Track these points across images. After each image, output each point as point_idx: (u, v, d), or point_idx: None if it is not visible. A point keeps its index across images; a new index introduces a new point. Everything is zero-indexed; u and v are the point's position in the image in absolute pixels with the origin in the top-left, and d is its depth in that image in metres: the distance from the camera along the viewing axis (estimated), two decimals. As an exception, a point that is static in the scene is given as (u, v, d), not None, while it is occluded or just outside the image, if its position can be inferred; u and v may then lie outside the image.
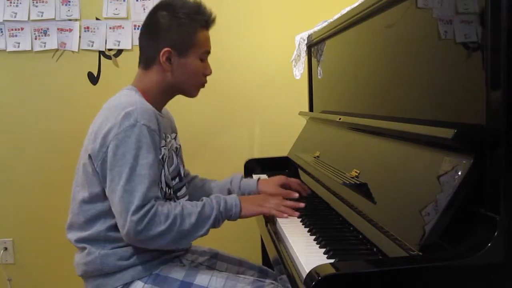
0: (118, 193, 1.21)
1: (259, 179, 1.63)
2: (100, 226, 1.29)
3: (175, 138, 1.51)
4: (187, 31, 1.37)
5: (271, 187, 1.57)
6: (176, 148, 1.50)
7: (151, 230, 1.20)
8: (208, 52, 1.44)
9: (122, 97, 1.34)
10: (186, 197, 1.50)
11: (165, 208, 1.23)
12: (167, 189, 1.37)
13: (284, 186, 1.59)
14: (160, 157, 1.32)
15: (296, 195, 1.50)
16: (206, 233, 1.28)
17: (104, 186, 1.27)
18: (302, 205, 1.40)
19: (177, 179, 1.46)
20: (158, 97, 1.40)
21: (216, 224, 1.29)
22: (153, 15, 1.41)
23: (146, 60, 1.40)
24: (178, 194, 1.46)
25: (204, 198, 1.32)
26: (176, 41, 1.37)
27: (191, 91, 1.45)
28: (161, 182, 1.33)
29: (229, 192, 1.59)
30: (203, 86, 1.46)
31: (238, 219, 1.35)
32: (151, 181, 1.22)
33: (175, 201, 1.41)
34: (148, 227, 1.19)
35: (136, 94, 1.35)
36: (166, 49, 1.35)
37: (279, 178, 1.61)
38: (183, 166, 1.54)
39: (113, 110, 1.27)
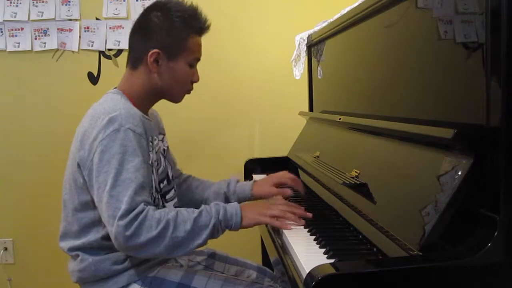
0: (104, 199, 1.16)
1: (254, 181, 1.58)
2: (93, 235, 1.26)
3: (162, 140, 1.47)
4: (179, 35, 1.33)
5: (265, 187, 1.53)
6: (164, 150, 1.46)
7: (142, 235, 1.13)
8: (198, 59, 1.40)
9: (106, 102, 1.30)
10: (175, 200, 1.46)
11: (157, 213, 1.16)
12: (156, 193, 1.33)
13: (278, 184, 1.54)
14: (150, 162, 1.29)
15: (289, 192, 1.45)
16: (204, 243, 1.21)
17: (92, 195, 1.22)
18: (309, 215, 1.31)
19: (165, 182, 1.42)
20: (143, 100, 1.35)
21: (215, 234, 1.22)
22: (146, 14, 1.36)
23: (134, 60, 1.35)
24: (167, 197, 1.42)
25: (203, 205, 1.26)
26: (166, 43, 1.32)
27: (176, 97, 1.40)
28: (152, 188, 1.30)
29: (225, 196, 1.56)
30: (188, 92, 1.41)
31: (239, 229, 1.26)
32: (138, 184, 1.17)
33: (163, 205, 1.39)
34: (138, 233, 1.13)
35: (122, 98, 1.31)
36: (154, 50, 1.31)
37: (272, 178, 1.56)
38: (172, 168, 1.50)
39: (98, 117, 1.23)
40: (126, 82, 1.37)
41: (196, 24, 1.35)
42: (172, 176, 1.48)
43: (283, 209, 1.30)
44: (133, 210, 1.14)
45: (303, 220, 1.29)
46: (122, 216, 1.13)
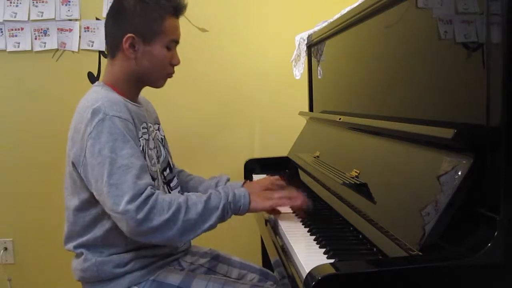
0: (104, 191, 1.14)
1: (245, 182, 1.50)
2: (97, 232, 1.27)
3: (158, 129, 1.47)
4: (153, 17, 1.30)
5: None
6: (161, 139, 1.46)
7: (154, 219, 1.12)
8: (176, 41, 1.36)
9: (89, 95, 1.29)
10: (178, 188, 1.47)
11: (167, 197, 1.16)
12: (154, 181, 1.31)
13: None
14: (141, 148, 1.27)
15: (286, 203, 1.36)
16: (214, 225, 1.20)
17: (91, 190, 1.21)
18: (309, 205, 1.32)
19: (167, 170, 1.43)
20: (128, 87, 1.34)
21: (225, 215, 1.21)
22: None
23: (112, 47, 1.34)
24: (171, 185, 1.43)
25: (210, 190, 1.26)
26: (140, 27, 1.29)
27: (157, 81, 1.37)
28: None
29: None
30: (170, 76, 1.39)
31: (246, 214, 1.26)
32: (137, 168, 1.16)
33: (168, 193, 1.39)
34: (150, 216, 1.12)
35: (103, 88, 1.30)
36: (129, 35, 1.28)
37: (264, 183, 1.45)
38: (171, 157, 1.50)
39: (83, 111, 1.23)
40: (108, 72, 1.36)
41: (169, 4, 1.32)
42: (173, 164, 1.48)
43: (286, 193, 1.32)
44: (141, 194, 1.13)
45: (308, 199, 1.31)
46: (130, 201, 1.11)
